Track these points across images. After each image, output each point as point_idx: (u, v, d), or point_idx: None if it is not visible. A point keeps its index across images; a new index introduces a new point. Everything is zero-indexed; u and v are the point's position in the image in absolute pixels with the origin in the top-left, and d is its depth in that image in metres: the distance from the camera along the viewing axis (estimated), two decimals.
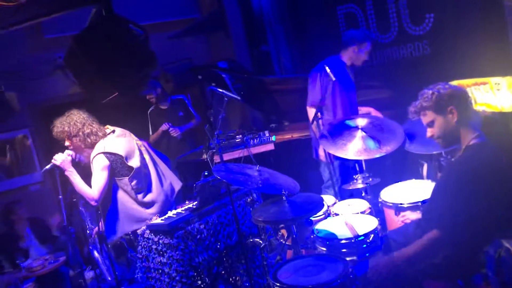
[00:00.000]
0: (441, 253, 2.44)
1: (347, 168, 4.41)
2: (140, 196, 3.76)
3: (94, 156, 3.66)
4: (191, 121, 5.94)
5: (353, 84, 4.54)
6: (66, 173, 3.66)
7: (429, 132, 2.57)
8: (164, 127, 5.79)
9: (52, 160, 3.68)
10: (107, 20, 2.14)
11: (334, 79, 4.15)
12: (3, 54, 5.52)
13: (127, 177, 3.70)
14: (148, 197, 3.80)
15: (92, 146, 3.70)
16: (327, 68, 4.16)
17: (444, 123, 2.49)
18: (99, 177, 3.63)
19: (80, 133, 3.66)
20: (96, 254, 4.70)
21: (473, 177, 2.32)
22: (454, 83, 4.23)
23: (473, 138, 2.45)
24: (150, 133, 5.99)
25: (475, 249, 2.49)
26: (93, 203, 3.65)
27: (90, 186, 3.65)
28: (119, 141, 3.78)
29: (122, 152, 3.70)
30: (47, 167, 3.73)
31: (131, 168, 3.71)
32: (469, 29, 4.42)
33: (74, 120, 3.67)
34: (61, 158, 3.65)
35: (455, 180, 2.40)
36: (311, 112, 4.40)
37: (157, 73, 6.51)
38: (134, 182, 3.72)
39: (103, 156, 3.64)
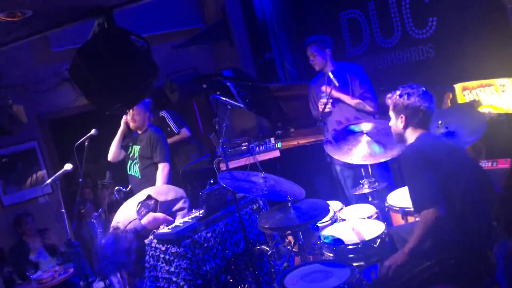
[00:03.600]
0: (439, 228, 2.56)
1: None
2: None
3: None
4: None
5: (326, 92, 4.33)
6: None
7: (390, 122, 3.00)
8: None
9: None
10: (108, 32, 2.18)
11: (337, 84, 4.18)
12: (11, 67, 5.59)
13: None
14: None
15: None
16: (330, 74, 4.20)
17: (394, 123, 2.92)
18: None
19: None
20: None
21: (405, 160, 2.83)
22: (459, 85, 4.25)
23: (416, 138, 2.83)
24: None
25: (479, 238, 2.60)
26: None
27: None
28: None
29: None
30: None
31: None
32: (472, 32, 4.40)
33: None
34: None
35: (402, 170, 3.04)
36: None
37: (162, 83, 6.56)
38: None
39: None
